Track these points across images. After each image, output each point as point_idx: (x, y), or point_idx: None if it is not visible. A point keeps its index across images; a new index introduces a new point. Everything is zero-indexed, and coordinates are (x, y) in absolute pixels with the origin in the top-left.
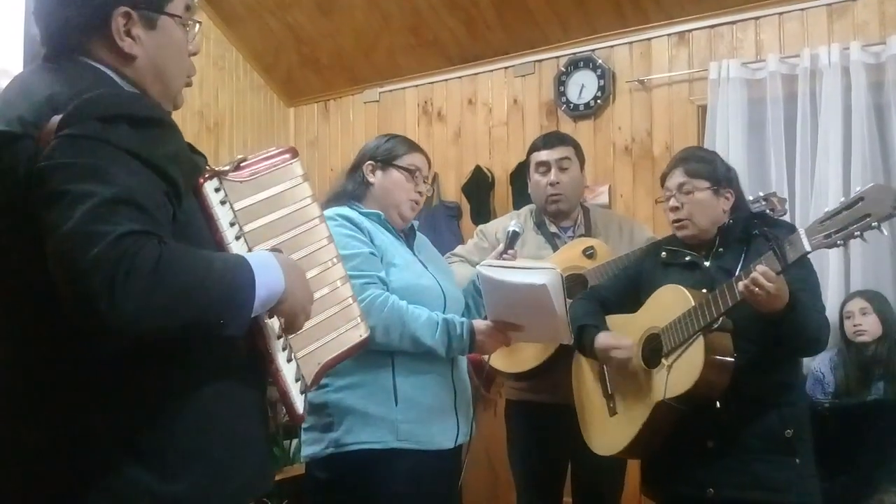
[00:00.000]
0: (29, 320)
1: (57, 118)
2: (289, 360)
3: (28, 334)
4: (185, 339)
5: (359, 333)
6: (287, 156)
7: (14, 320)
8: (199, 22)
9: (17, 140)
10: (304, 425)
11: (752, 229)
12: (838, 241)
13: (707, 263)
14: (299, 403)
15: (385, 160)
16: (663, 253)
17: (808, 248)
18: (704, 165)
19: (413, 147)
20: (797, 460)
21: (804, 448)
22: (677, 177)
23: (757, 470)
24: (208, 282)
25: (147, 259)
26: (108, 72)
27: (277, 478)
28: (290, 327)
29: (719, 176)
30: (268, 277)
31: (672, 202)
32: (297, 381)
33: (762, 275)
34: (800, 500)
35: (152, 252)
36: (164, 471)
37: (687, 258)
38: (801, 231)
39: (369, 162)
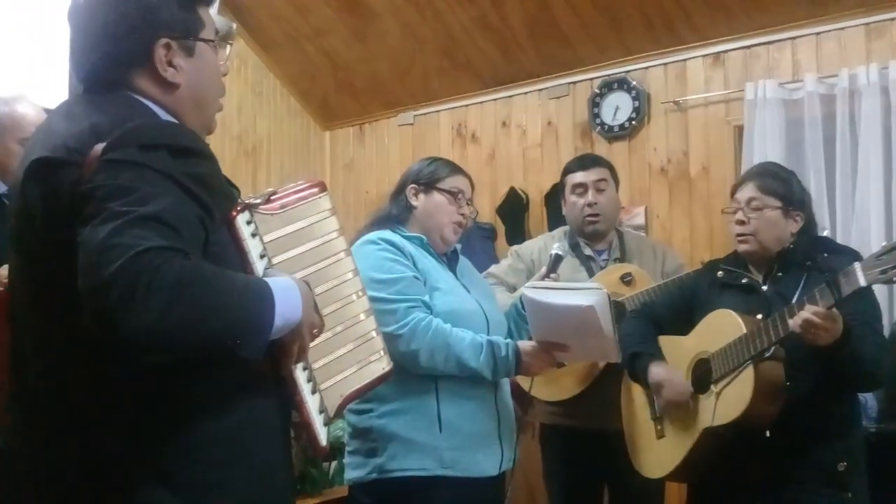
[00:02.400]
0: (62, 342)
1: (101, 146)
2: (313, 392)
3: (61, 357)
4: (204, 358)
5: (381, 366)
6: (316, 189)
7: (48, 341)
8: (230, 43)
9: (61, 166)
10: (348, 449)
11: (814, 255)
12: (894, 278)
13: (764, 288)
14: (322, 435)
15: (428, 183)
16: (720, 272)
17: (863, 282)
18: (779, 183)
19: (456, 169)
20: (849, 495)
21: (858, 482)
22: (748, 191)
23: (806, 502)
24: (229, 301)
25: (169, 273)
26: (148, 103)
27: (316, 501)
28: (301, 352)
29: (793, 197)
30: (287, 305)
31: (739, 215)
32: (320, 412)
33: (813, 314)
34: None
35: (175, 267)
36: (192, 497)
37: (744, 280)
38: (857, 265)
39: (412, 185)
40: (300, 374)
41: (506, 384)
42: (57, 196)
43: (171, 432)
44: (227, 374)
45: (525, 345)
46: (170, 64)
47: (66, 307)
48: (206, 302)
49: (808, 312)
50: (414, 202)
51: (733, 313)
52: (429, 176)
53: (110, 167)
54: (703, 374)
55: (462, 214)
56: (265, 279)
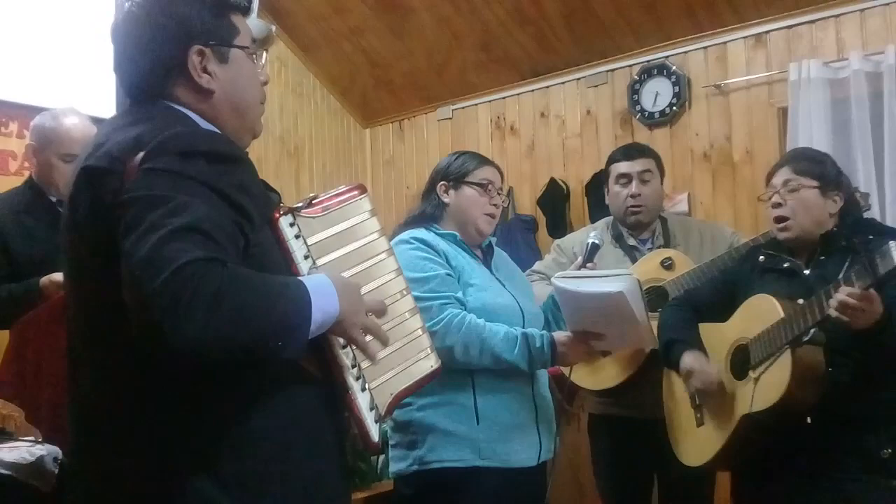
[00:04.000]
0: (112, 346)
1: (141, 155)
2: (363, 390)
3: (112, 360)
4: (249, 362)
5: (430, 364)
6: (356, 192)
7: (99, 346)
8: (266, 50)
9: (105, 174)
10: (391, 443)
11: (858, 237)
12: None
13: (807, 272)
14: (374, 432)
15: (457, 178)
16: (761, 257)
17: None
18: (814, 164)
19: (483, 161)
20: (894, 483)
21: None
22: (784, 174)
23: (849, 491)
24: (267, 304)
25: (210, 283)
26: (188, 112)
27: (365, 494)
28: (353, 343)
29: (828, 176)
30: (323, 301)
31: (775, 198)
32: (371, 409)
33: (849, 295)
34: None
35: (215, 277)
36: (244, 496)
37: (785, 265)
38: (893, 244)
39: (442, 182)
40: (349, 373)
41: (543, 375)
42: (101, 205)
43: (220, 429)
44: (275, 373)
45: (560, 335)
46: (204, 70)
47: (112, 313)
48: (246, 307)
49: (843, 294)
50: (445, 199)
51: (772, 298)
52: (457, 171)
53: (148, 176)
54: (742, 361)
55: (494, 205)
56: (299, 278)
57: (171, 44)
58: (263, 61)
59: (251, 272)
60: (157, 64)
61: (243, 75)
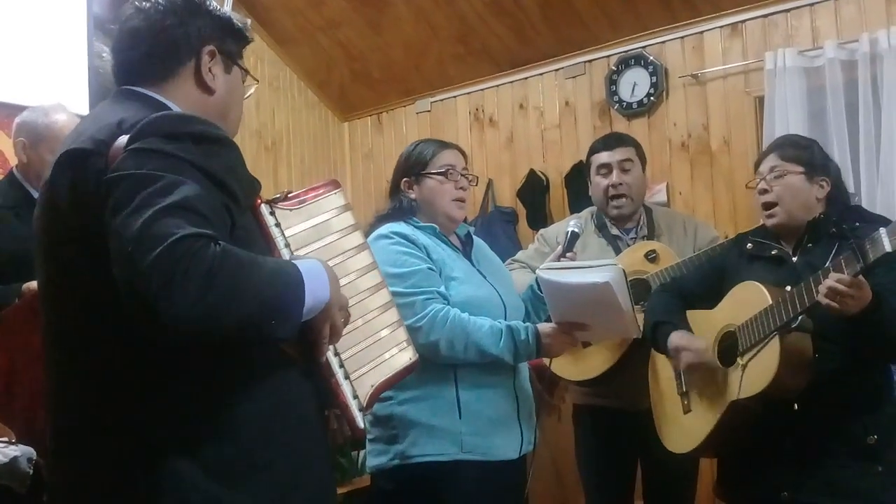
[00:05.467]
0: (97, 327)
1: (125, 137)
2: (346, 378)
3: (96, 341)
4: (241, 342)
5: (408, 356)
6: (330, 187)
7: (82, 328)
8: (257, 81)
9: (88, 156)
10: (369, 437)
11: (845, 225)
12: None
13: (794, 259)
14: (360, 418)
15: (417, 172)
16: (749, 244)
17: (888, 247)
18: (800, 150)
19: (439, 146)
20: (880, 468)
21: (890, 455)
22: (770, 161)
23: (835, 476)
24: (261, 283)
25: (203, 260)
26: (172, 105)
27: (346, 489)
28: (334, 334)
29: (815, 162)
30: (316, 285)
31: (761, 185)
32: (354, 398)
33: (838, 282)
34: None
35: (208, 253)
36: (228, 480)
37: (773, 252)
38: (883, 231)
39: (404, 179)
40: (333, 359)
41: (524, 368)
42: (84, 184)
43: (202, 413)
44: (260, 359)
45: (545, 327)
46: (209, 71)
47: (93, 295)
48: (241, 285)
49: (832, 280)
50: (412, 195)
51: (759, 285)
52: (416, 163)
53: (135, 156)
54: (730, 347)
55: (461, 188)
56: (293, 261)
57: (195, 35)
58: (251, 91)
59: (244, 251)
60: (173, 48)
61: (237, 92)
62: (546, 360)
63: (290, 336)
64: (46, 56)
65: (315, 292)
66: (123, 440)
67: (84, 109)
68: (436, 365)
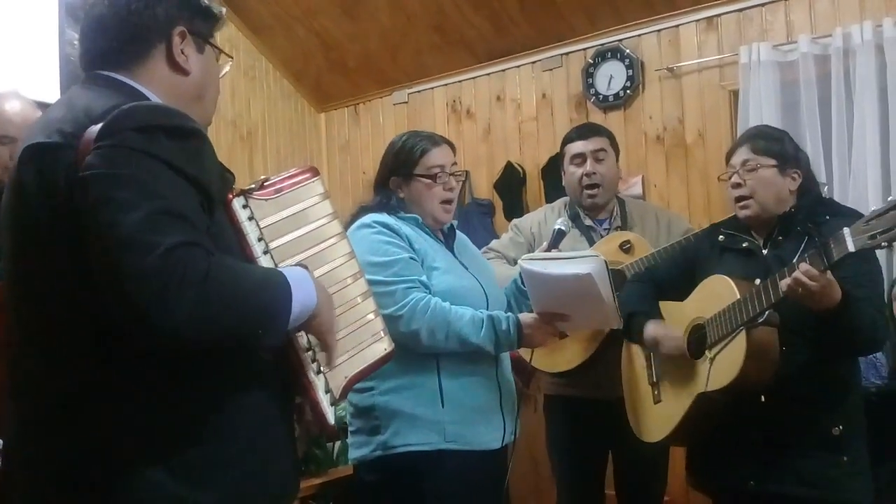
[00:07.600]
0: (59, 330)
1: (95, 128)
2: (318, 373)
3: (58, 345)
4: (225, 349)
5: (383, 347)
6: (308, 174)
7: (45, 330)
8: (231, 58)
9: (56, 150)
10: (350, 428)
11: (816, 218)
12: (883, 243)
13: (765, 252)
14: (330, 415)
15: (405, 174)
16: (721, 236)
17: (851, 248)
18: (772, 143)
19: (427, 146)
20: (844, 458)
21: (855, 445)
22: (742, 154)
23: (800, 466)
24: (250, 294)
25: (197, 270)
26: (146, 91)
27: (322, 480)
28: (323, 344)
29: (787, 154)
30: (302, 293)
31: (734, 179)
32: (326, 392)
33: (804, 273)
34: (845, 498)
35: (201, 264)
36: (192, 479)
37: (744, 244)
38: (846, 230)
39: (393, 178)
40: (305, 356)
41: (506, 358)
42: (53, 179)
43: (165, 415)
44: (226, 361)
45: (526, 317)
46: (182, 52)
47: (62, 295)
48: (233, 296)
49: (799, 272)
50: (401, 194)
51: (728, 279)
52: (403, 165)
53: (109, 153)
54: (699, 340)
55: (449, 189)
56: (280, 269)
57: (162, 18)
58: (226, 70)
59: (236, 262)
60: (141, 32)
61: (212, 71)
62: (527, 352)
63: (277, 343)
64: (18, 44)
65: (302, 301)
66: (86, 445)
67: (55, 98)
68: (418, 355)
